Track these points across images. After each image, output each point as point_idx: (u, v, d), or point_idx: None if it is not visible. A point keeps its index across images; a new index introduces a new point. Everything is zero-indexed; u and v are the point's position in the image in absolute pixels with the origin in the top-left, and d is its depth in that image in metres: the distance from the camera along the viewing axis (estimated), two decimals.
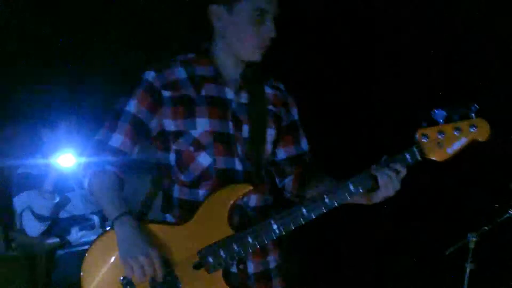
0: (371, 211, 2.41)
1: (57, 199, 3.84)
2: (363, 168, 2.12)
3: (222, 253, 2.09)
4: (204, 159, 2.19)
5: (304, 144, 2.44)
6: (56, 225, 3.91)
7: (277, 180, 2.46)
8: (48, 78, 4.36)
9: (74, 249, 3.80)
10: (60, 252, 3.81)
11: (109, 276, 2.08)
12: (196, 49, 2.31)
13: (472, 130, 2.08)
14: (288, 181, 2.42)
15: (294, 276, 2.60)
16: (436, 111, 2.10)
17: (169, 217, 2.27)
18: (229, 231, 2.12)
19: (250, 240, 2.10)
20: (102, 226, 3.97)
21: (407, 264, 4.65)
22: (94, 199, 2.19)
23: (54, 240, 3.90)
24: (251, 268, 2.24)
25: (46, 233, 3.86)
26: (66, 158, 3.78)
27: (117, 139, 2.18)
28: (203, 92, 2.20)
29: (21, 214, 3.83)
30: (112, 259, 2.07)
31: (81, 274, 2.10)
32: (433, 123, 2.11)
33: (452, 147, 2.10)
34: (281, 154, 2.40)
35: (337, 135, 4.58)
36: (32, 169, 3.91)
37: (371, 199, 2.16)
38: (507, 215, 3.65)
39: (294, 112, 2.44)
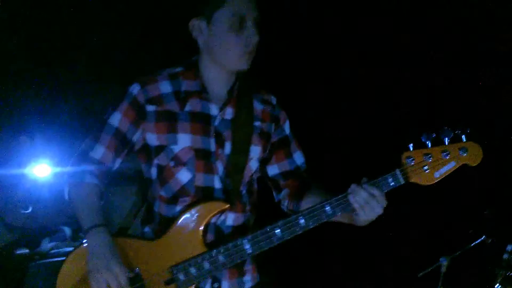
0: (346, 232, 2.40)
1: (30, 210, 3.79)
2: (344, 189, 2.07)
3: (193, 270, 2.08)
4: (183, 175, 2.18)
5: (298, 158, 2.40)
6: (26, 236, 3.85)
7: (274, 194, 2.44)
8: (30, 86, 4.32)
9: (44, 261, 3.74)
10: (30, 263, 3.74)
11: None
12: (185, 62, 2.29)
13: (462, 153, 2.04)
14: (284, 195, 2.38)
15: None
16: (425, 134, 2.05)
17: (147, 230, 2.25)
18: (202, 249, 2.11)
19: (221, 258, 2.09)
20: (74, 238, 3.92)
21: (379, 285, 4.66)
22: (72, 208, 2.16)
23: (23, 251, 3.84)
24: (225, 287, 2.22)
25: (16, 244, 3.80)
26: (41, 168, 3.74)
27: (99, 151, 2.18)
28: (187, 108, 2.19)
29: None
30: (85, 272, 2.04)
31: (57, 286, 2.09)
32: (421, 146, 2.05)
33: (439, 171, 2.04)
34: (275, 169, 2.37)
35: (327, 152, 4.58)
36: (4, 177, 3.86)
37: (355, 221, 2.12)
38: (480, 240, 3.68)
39: (286, 126, 2.40)
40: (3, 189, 3.82)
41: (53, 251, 3.82)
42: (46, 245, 3.84)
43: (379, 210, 2.03)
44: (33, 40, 4.36)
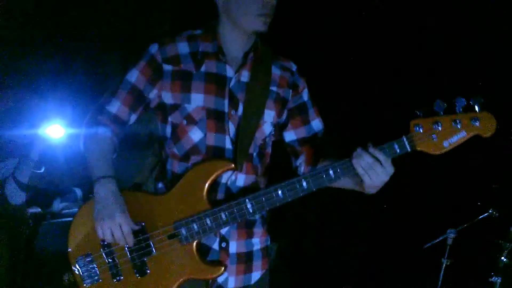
0: (353, 204, 2.41)
1: (43, 170, 3.83)
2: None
3: (195, 226, 2.12)
4: (195, 134, 2.21)
5: (316, 125, 2.38)
6: (39, 195, 3.90)
7: (292, 160, 2.43)
8: (43, 48, 4.34)
9: (55, 220, 3.80)
10: (42, 222, 3.81)
11: (91, 238, 2.14)
12: (205, 26, 2.31)
13: (474, 123, 1.95)
14: (300, 162, 2.38)
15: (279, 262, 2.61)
16: (438, 102, 1.97)
17: (161, 185, 2.29)
18: (206, 206, 2.14)
19: (223, 216, 2.12)
20: (85, 199, 3.97)
21: (385, 256, 4.70)
22: (85, 159, 2.20)
23: (36, 210, 3.91)
24: (233, 248, 2.25)
25: (29, 203, 3.86)
26: (54, 129, 3.77)
27: (115, 105, 2.23)
28: (202, 68, 2.22)
29: (4, 181, 3.81)
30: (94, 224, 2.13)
31: (68, 238, 2.16)
32: (432, 114, 1.97)
33: (449, 140, 1.97)
34: (291, 135, 2.38)
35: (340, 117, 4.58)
36: (18, 137, 3.89)
37: (363, 188, 2.11)
38: (487, 213, 3.70)
39: (305, 93, 2.38)
40: (17, 149, 3.86)
41: (64, 211, 3.88)
42: (58, 205, 3.90)
43: (384, 177, 2.01)
44: (46, 4, 4.37)
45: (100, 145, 2.18)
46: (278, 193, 2.11)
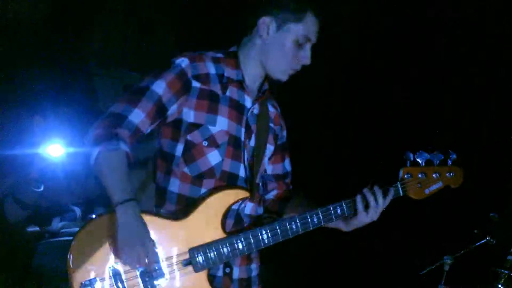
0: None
1: (42, 188, 3.82)
2: (343, 195, 2.29)
3: (212, 254, 2.13)
4: (213, 157, 2.21)
5: (288, 166, 2.53)
6: (38, 214, 3.89)
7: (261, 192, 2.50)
8: (43, 66, 4.35)
9: (54, 239, 3.78)
10: (40, 241, 3.79)
11: (99, 261, 2.07)
12: (223, 50, 2.33)
13: (448, 175, 2.34)
14: (269, 197, 2.48)
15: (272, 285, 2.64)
16: (419, 153, 2.32)
17: (162, 212, 2.28)
18: (222, 234, 2.16)
19: (240, 245, 2.15)
20: (84, 218, 3.97)
21: (382, 284, 4.71)
22: (100, 176, 2.05)
23: (34, 228, 3.89)
24: (236, 273, 2.29)
25: (27, 221, 3.84)
26: (55, 148, 3.77)
27: (138, 116, 2.11)
28: (228, 93, 2.24)
29: (3, 199, 3.80)
30: (104, 244, 2.06)
31: (70, 256, 2.05)
32: (415, 164, 2.33)
33: (430, 188, 2.35)
34: (269, 170, 2.47)
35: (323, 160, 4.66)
36: (18, 156, 3.89)
37: (349, 224, 2.29)
38: (484, 241, 3.73)
39: (285, 133, 2.53)
40: (17, 168, 3.85)
41: (63, 230, 3.86)
42: (57, 224, 3.88)
43: (375, 216, 2.25)
44: (47, 20, 4.39)
45: (118, 163, 2.04)
46: (292, 225, 2.19)
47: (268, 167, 2.46)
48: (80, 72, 4.52)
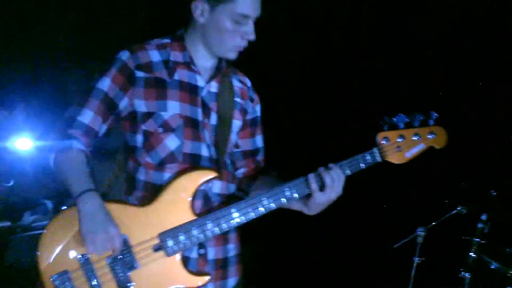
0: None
1: (11, 183, 3.78)
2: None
3: (182, 237, 2.12)
4: (171, 142, 2.21)
5: (260, 142, 2.49)
6: (8, 208, 3.84)
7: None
8: (10, 60, 4.28)
9: (26, 234, 3.74)
10: (12, 236, 3.75)
11: (67, 254, 2.07)
12: (170, 34, 2.33)
13: (430, 136, 2.23)
14: (239, 174, 2.46)
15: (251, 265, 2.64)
16: (398, 117, 2.21)
17: (131, 199, 2.27)
18: (191, 216, 2.15)
19: (210, 226, 2.13)
20: (56, 211, 3.92)
21: (357, 258, 4.76)
22: (60, 175, 2.12)
23: (5, 223, 3.84)
24: (211, 254, 2.28)
25: None
26: (23, 142, 3.72)
27: (87, 115, 2.16)
28: (176, 77, 2.23)
29: None
30: (70, 237, 2.06)
31: (38, 253, 2.06)
32: (393, 127, 2.22)
33: (410, 151, 2.23)
34: (240, 146, 2.44)
35: (296, 135, 4.67)
36: None
37: (309, 207, 2.22)
38: (455, 211, 3.78)
39: (258, 108, 2.49)
40: None
41: (34, 224, 3.82)
42: (28, 218, 3.84)
43: (340, 191, 2.16)
44: (15, 15, 4.33)
45: (74, 160, 2.11)
46: (263, 201, 2.16)
47: (239, 142, 2.44)
48: (49, 65, 4.46)
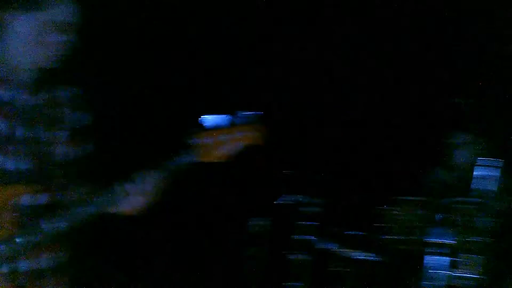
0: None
1: None
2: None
3: None
4: None
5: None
6: None
7: None
8: None
9: None
10: None
11: None
12: None
13: (239, 135, 2.29)
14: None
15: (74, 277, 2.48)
16: (206, 118, 2.26)
17: None
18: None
19: (19, 240, 2.05)
20: None
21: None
22: None
23: None
24: (23, 266, 2.12)
25: None
26: None
27: None
28: None
29: None
30: None
31: None
32: (203, 129, 2.26)
33: (221, 150, 2.28)
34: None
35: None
36: None
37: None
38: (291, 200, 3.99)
39: (85, 117, 2.41)
40: None
41: None
42: None
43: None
44: None
45: None
46: (77, 211, 2.12)
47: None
48: None
